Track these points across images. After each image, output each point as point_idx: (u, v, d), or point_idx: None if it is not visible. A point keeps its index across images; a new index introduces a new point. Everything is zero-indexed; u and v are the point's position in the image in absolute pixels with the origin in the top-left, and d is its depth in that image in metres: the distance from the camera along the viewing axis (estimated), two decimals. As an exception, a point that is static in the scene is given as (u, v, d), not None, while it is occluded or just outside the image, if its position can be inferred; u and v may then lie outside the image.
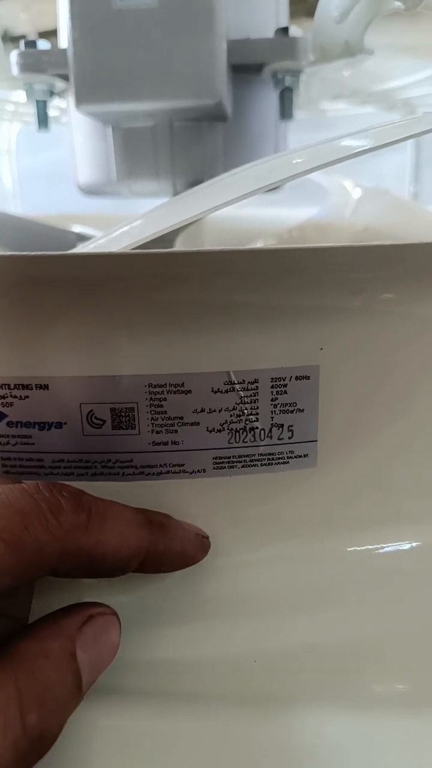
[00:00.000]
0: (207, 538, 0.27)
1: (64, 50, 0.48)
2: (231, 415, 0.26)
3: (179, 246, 0.51)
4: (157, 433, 0.26)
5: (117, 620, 0.23)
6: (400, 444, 0.28)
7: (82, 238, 0.64)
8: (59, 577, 0.22)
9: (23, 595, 0.25)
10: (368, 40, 0.44)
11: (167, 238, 0.28)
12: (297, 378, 0.26)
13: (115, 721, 0.24)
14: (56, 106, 0.73)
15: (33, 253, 0.22)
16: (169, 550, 0.25)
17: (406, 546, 0.29)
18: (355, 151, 0.29)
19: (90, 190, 0.59)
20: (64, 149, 0.62)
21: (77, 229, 0.71)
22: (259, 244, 0.72)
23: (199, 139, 0.51)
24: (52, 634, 0.21)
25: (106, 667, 0.23)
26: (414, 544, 0.29)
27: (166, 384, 0.25)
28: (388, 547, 0.29)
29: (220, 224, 0.69)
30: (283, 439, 0.27)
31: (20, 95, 0.70)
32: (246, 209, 0.78)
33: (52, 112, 0.65)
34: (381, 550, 0.29)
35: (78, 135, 0.57)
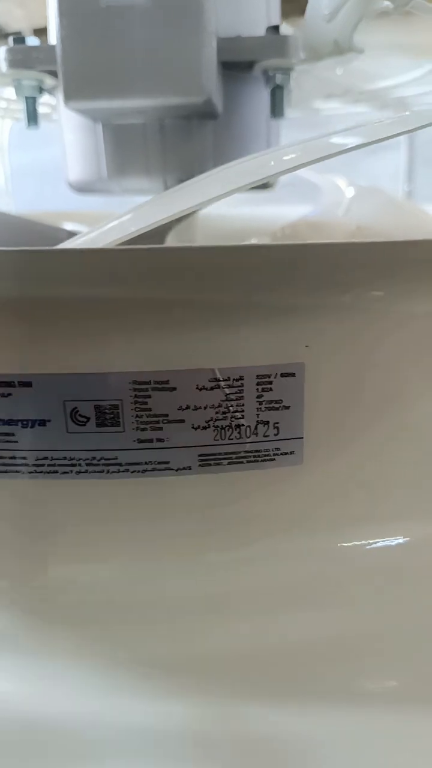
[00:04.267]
0: None
1: (53, 46, 0.47)
2: (216, 413, 0.26)
3: (170, 244, 0.51)
4: (142, 430, 0.26)
5: None
6: (386, 440, 0.28)
7: (74, 235, 0.64)
8: None
9: None
10: (360, 40, 0.44)
11: (157, 235, 0.28)
12: (282, 375, 0.26)
13: (110, 719, 0.23)
14: (47, 103, 0.72)
15: (16, 249, 0.22)
16: None
17: (395, 542, 0.29)
18: (346, 147, 0.29)
19: (80, 188, 0.58)
20: (57, 147, 0.62)
21: (69, 226, 0.71)
22: (252, 242, 0.72)
23: (189, 137, 0.51)
24: None
25: None
26: (402, 540, 0.29)
27: (150, 381, 0.25)
28: (376, 543, 0.29)
29: (212, 222, 0.68)
30: (269, 436, 0.26)
31: (11, 92, 0.70)
32: (239, 208, 0.78)
33: (42, 110, 0.64)
34: (369, 547, 0.29)
35: (68, 132, 0.56)
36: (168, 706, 0.24)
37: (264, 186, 0.58)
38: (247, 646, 0.26)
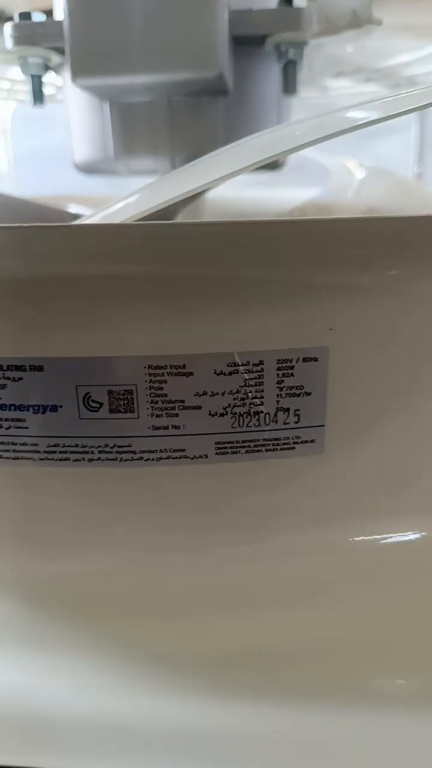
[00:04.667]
0: None
1: (60, 22, 0.46)
2: (234, 399, 0.25)
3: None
4: (157, 416, 0.25)
5: None
6: (411, 430, 0.27)
7: (78, 218, 0.63)
8: None
9: None
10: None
11: (165, 217, 0.27)
12: (304, 360, 0.25)
13: (115, 718, 0.23)
14: (52, 83, 0.71)
15: (27, 224, 0.21)
16: None
17: (413, 536, 0.28)
18: (360, 122, 0.28)
19: (87, 168, 0.57)
20: (61, 132, 0.61)
21: (74, 209, 0.70)
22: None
23: (198, 115, 0.50)
24: None
25: None
26: (420, 535, 0.28)
27: (166, 366, 0.24)
28: (393, 537, 0.28)
29: (220, 205, 0.67)
30: (289, 423, 0.25)
31: (15, 72, 0.69)
32: (247, 190, 0.77)
33: (48, 90, 0.63)
34: (387, 540, 0.28)
35: (74, 111, 0.55)
36: (173, 702, 0.24)
37: (273, 166, 0.56)
38: (257, 642, 0.26)
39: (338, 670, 0.25)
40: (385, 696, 0.24)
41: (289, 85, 0.48)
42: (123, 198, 0.34)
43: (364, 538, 0.28)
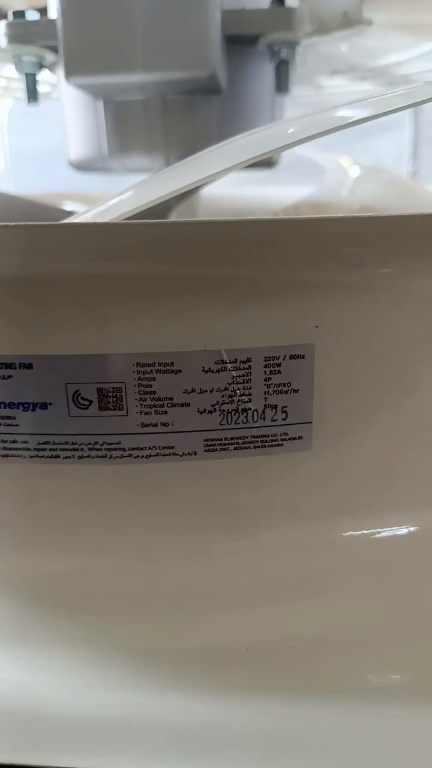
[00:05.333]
0: None
1: (54, 21, 0.46)
2: (223, 396, 0.25)
3: (172, 224, 0.50)
4: (146, 414, 0.25)
5: None
6: (398, 426, 0.27)
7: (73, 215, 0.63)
8: None
9: None
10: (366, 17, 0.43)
11: (157, 215, 0.27)
12: (291, 357, 0.25)
13: (110, 715, 0.23)
14: (47, 81, 0.71)
15: (14, 223, 0.21)
16: None
17: (404, 531, 0.28)
18: (352, 120, 0.28)
19: (81, 166, 0.58)
20: (57, 131, 0.61)
21: (69, 207, 0.70)
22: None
23: (192, 113, 0.50)
24: None
25: None
26: (412, 529, 0.29)
27: (155, 363, 0.24)
28: (384, 532, 0.28)
29: (215, 203, 0.67)
30: (276, 420, 0.26)
31: (11, 70, 0.69)
32: (241, 188, 0.77)
33: (43, 88, 0.63)
34: (378, 535, 0.28)
35: (69, 109, 0.55)
36: (168, 698, 0.24)
37: (267, 163, 0.57)
38: (249, 637, 0.26)
39: (330, 665, 0.25)
40: (378, 690, 0.24)
41: (281, 85, 0.49)
42: (116, 195, 0.34)
43: (353, 533, 0.28)
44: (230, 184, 0.72)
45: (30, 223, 0.22)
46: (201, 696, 0.24)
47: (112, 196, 0.34)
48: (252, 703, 0.23)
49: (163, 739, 0.22)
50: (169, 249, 0.23)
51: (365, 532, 0.28)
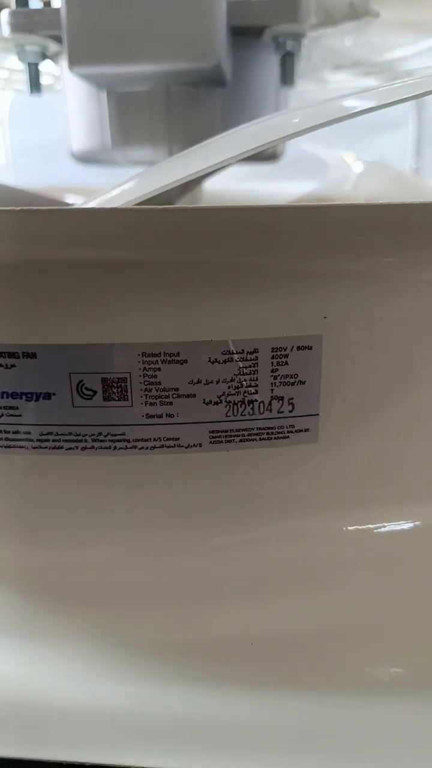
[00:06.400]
0: None
1: (57, 10, 0.46)
2: (229, 387, 0.25)
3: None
4: (151, 405, 0.25)
5: None
6: (405, 419, 0.27)
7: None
8: None
9: None
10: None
11: (161, 204, 0.27)
12: (299, 348, 0.25)
13: (111, 707, 0.23)
14: (50, 73, 0.71)
15: (19, 208, 0.21)
16: None
17: (408, 525, 0.28)
18: (357, 109, 0.28)
19: (84, 158, 0.57)
20: (60, 122, 0.61)
21: (71, 200, 0.70)
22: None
23: (196, 105, 0.49)
24: None
25: None
26: (416, 524, 0.28)
27: (160, 353, 0.24)
28: (388, 526, 0.28)
29: (218, 197, 0.67)
30: (283, 412, 0.25)
31: (13, 61, 0.68)
32: (244, 183, 0.77)
33: (45, 80, 0.63)
34: (382, 530, 0.28)
35: (72, 101, 0.55)
36: (170, 692, 0.23)
37: (270, 155, 0.56)
38: (251, 631, 0.26)
39: (332, 658, 0.25)
40: (379, 684, 0.24)
41: (286, 77, 0.48)
42: (118, 185, 0.34)
43: (358, 527, 0.28)
44: (234, 179, 0.72)
45: (32, 207, 0.21)
46: (202, 689, 0.24)
47: (115, 186, 0.34)
48: (254, 696, 0.23)
49: (164, 732, 0.22)
50: (174, 236, 0.23)
51: (369, 525, 0.28)
